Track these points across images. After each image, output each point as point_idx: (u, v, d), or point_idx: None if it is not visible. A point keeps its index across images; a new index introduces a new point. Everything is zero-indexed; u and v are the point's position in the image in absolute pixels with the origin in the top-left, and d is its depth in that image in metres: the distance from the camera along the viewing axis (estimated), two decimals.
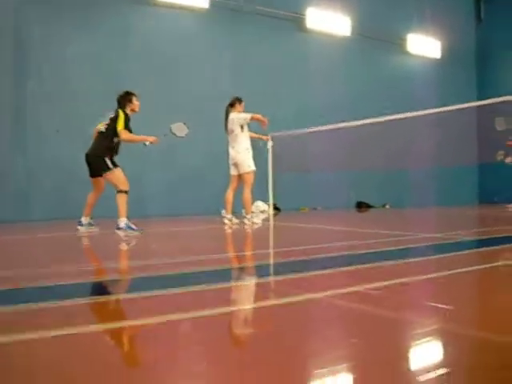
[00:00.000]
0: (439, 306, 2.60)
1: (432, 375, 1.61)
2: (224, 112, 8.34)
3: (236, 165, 8.23)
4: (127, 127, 6.83)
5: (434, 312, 2.47)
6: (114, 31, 11.31)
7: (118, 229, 6.64)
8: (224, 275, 3.60)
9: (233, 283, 3.35)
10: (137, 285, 3.43)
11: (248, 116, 8.07)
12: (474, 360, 1.84)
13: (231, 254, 5.19)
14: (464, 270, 3.74)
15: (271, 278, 3.58)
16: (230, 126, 8.23)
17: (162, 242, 6.46)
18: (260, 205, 11.85)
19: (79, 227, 7.12)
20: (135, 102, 7.04)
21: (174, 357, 1.83)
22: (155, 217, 10.86)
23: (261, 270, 3.95)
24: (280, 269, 4.04)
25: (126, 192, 6.75)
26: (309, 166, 12.27)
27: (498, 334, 2.07)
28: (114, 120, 6.81)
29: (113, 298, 3.01)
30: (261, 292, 3.08)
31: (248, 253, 5.20)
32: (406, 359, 1.84)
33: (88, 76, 10.94)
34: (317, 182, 13.10)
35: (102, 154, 6.80)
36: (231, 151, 8.28)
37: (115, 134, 6.79)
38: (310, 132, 11.32)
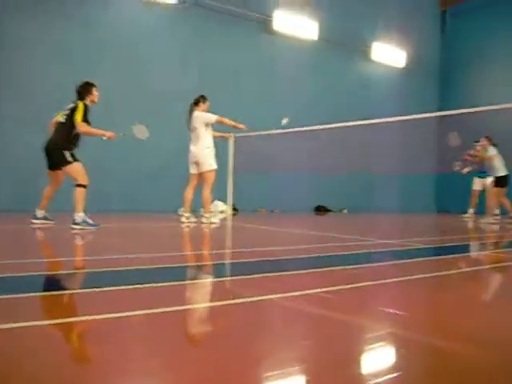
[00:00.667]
0: (391, 311, 2.61)
1: (381, 379, 1.61)
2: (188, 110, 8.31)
3: (197, 163, 8.19)
4: (86, 119, 6.69)
5: (385, 317, 2.48)
6: (78, 20, 11.07)
7: (75, 224, 6.52)
8: (176, 273, 3.55)
9: (184, 282, 3.30)
10: (87, 280, 3.35)
11: (213, 118, 8.13)
12: (424, 365, 1.85)
13: (185, 252, 5.14)
14: (417, 276, 3.79)
15: (224, 278, 3.55)
16: (193, 123, 8.20)
17: (117, 237, 6.35)
18: (219, 205, 11.80)
19: (34, 220, 6.88)
20: (95, 92, 6.94)
21: (118, 354, 1.78)
22: (116, 212, 10.69)
23: (214, 270, 3.92)
24: (233, 269, 4.02)
25: (84, 186, 6.64)
26: (269, 168, 12.29)
27: (446, 341, 2.09)
28: (74, 111, 6.67)
29: (61, 292, 2.93)
30: (212, 292, 3.05)
31: (202, 252, 5.15)
32: (357, 362, 1.84)
33: (47, 63, 10.67)
34: (276, 184, 13.14)
35: (62, 147, 6.65)
36: (193, 149, 8.25)
37: (74, 125, 6.65)
38: (272, 134, 11.35)
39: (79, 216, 6.55)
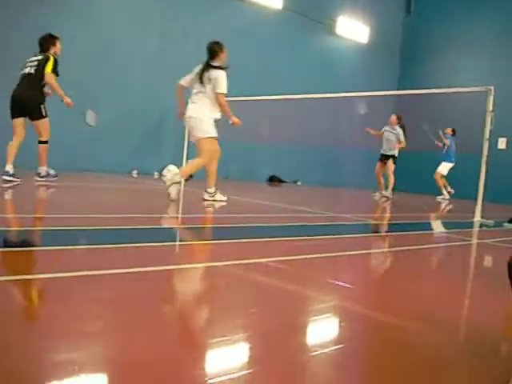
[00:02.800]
0: (338, 283, 2.65)
1: (326, 350, 1.63)
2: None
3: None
4: (55, 71, 6.75)
5: (332, 289, 2.51)
6: None
7: (40, 176, 6.84)
8: (129, 236, 3.50)
9: (136, 244, 3.26)
10: (44, 237, 3.27)
11: (225, 102, 6.81)
12: (367, 338, 1.89)
13: (138, 215, 5.08)
14: (367, 251, 3.85)
15: (174, 243, 3.53)
16: (206, 79, 6.63)
17: (78, 196, 6.22)
18: (172, 169, 11.68)
19: (5, 177, 6.42)
20: (58, 45, 7.01)
21: (65, 313, 1.74)
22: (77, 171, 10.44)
23: (164, 234, 3.89)
24: (183, 235, 3.99)
25: (46, 142, 6.89)
26: (225, 135, 12.20)
27: (390, 315, 2.13)
28: (43, 62, 6.69)
29: (15, 249, 2.85)
30: (161, 255, 3.02)
31: (155, 215, 5.10)
32: (302, 333, 1.86)
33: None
34: (231, 151, 13.06)
35: (38, 98, 6.77)
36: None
37: (43, 76, 6.67)
38: (230, 101, 11.25)
39: (43, 169, 6.88)
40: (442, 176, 13.18)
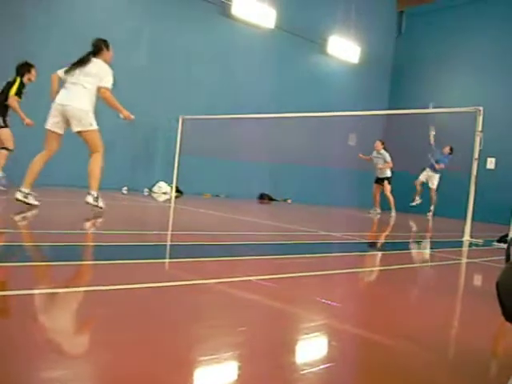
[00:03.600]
0: (327, 302, 2.64)
1: (314, 369, 1.62)
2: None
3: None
4: (18, 94, 7.48)
5: (321, 308, 2.50)
6: None
7: None
8: (118, 253, 3.48)
9: (125, 261, 3.23)
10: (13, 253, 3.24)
11: (109, 87, 6.02)
12: (356, 357, 1.88)
13: (124, 231, 5.05)
14: (356, 270, 3.85)
15: (163, 260, 3.51)
16: (87, 70, 5.88)
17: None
18: (163, 186, 11.70)
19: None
20: (33, 72, 7.66)
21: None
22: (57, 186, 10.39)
23: (153, 251, 3.86)
24: (172, 252, 3.98)
25: (8, 150, 7.58)
26: (216, 153, 12.23)
27: (379, 334, 2.13)
28: (11, 85, 7.47)
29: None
30: (150, 273, 3.00)
31: (141, 232, 5.08)
32: (291, 352, 1.85)
33: None
34: (222, 169, 13.08)
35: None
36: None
37: (7, 97, 7.44)
38: (221, 119, 11.32)
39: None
40: (421, 185, 13.55)
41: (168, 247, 4.21)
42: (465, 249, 6.41)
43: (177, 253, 3.93)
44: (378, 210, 12.24)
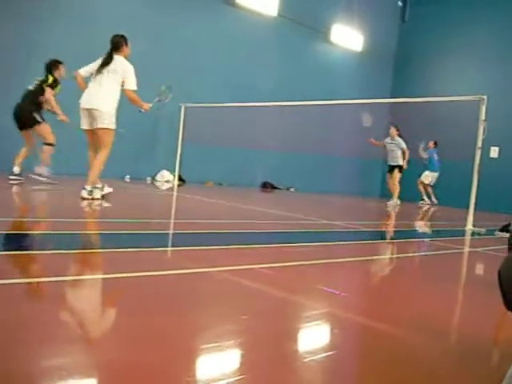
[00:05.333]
0: (330, 290, 2.65)
1: (317, 357, 1.63)
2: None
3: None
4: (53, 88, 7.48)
5: (323, 296, 2.51)
6: None
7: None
8: (121, 241, 3.49)
9: (127, 250, 3.24)
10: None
11: (134, 86, 6.28)
12: (359, 345, 1.89)
13: (128, 219, 5.06)
14: (358, 259, 3.86)
15: (167, 249, 3.52)
16: (113, 68, 6.14)
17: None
18: (165, 174, 11.70)
19: (11, 176, 7.15)
20: (62, 69, 7.68)
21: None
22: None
23: (155, 240, 3.87)
24: (176, 240, 3.98)
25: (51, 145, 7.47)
26: (219, 142, 12.21)
27: (382, 322, 2.13)
28: (44, 81, 7.41)
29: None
30: (152, 261, 3.01)
31: (144, 221, 5.08)
32: (294, 340, 1.86)
33: None
34: (225, 157, 13.06)
35: (32, 109, 7.37)
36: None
37: (42, 92, 7.35)
38: (224, 107, 11.29)
39: (43, 169, 7.39)
40: (427, 184, 13.80)
41: (170, 236, 4.22)
42: (467, 238, 6.41)
43: (179, 241, 3.93)
44: (392, 202, 11.75)
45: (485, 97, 7.02)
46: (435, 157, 13.62)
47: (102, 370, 1.39)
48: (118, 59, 6.17)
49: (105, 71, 6.07)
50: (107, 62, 6.11)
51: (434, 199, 13.79)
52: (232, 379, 1.39)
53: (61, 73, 7.69)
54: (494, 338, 2.25)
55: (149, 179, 11.30)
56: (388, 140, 11.82)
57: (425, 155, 13.52)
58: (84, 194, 5.79)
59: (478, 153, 7.01)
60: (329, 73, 15.99)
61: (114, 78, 6.07)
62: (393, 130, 11.75)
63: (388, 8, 18.08)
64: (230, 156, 13.05)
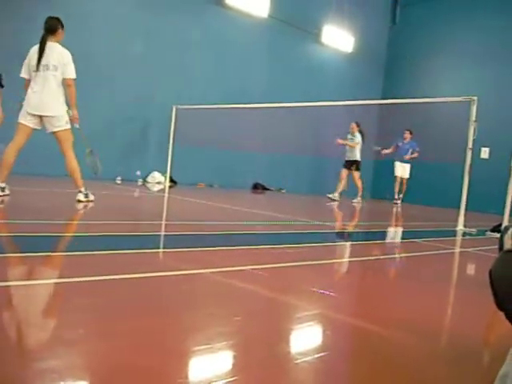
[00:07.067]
0: (321, 291, 2.65)
1: (308, 358, 1.63)
2: None
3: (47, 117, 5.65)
4: None
5: (316, 297, 2.51)
6: None
7: None
8: (109, 243, 3.48)
9: (115, 252, 3.23)
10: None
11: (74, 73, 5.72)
12: (350, 346, 1.89)
13: (116, 221, 5.05)
14: (350, 260, 3.86)
15: (158, 250, 3.51)
16: (48, 59, 5.59)
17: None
18: (156, 176, 11.68)
19: None
20: None
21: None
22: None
23: (146, 241, 3.86)
24: (166, 242, 3.97)
25: None
26: (210, 143, 12.20)
27: (373, 323, 2.14)
28: None
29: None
30: (143, 263, 3.00)
31: (136, 222, 5.07)
32: (286, 341, 1.85)
33: None
34: (216, 158, 13.06)
35: None
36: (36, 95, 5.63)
37: None
38: (214, 109, 11.28)
39: None
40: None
41: (162, 237, 4.21)
42: (458, 238, 6.44)
43: (170, 243, 3.93)
44: (355, 201, 12.15)
45: (475, 98, 7.05)
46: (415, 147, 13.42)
47: (93, 372, 1.38)
48: (54, 49, 5.61)
49: (42, 69, 5.54)
50: (41, 53, 5.53)
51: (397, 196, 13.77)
52: (224, 380, 1.38)
53: None
54: (486, 337, 2.26)
55: (140, 180, 11.28)
56: (349, 136, 12.21)
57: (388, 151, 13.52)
58: (80, 197, 5.71)
59: (469, 153, 7.04)
60: (319, 74, 16.02)
61: (54, 77, 5.57)
62: (353, 126, 12.13)
63: (378, 9, 18.15)
64: (221, 157, 13.05)
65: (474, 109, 7.04)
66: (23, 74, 5.69)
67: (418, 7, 17.57)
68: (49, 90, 5.56)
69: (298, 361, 1.60)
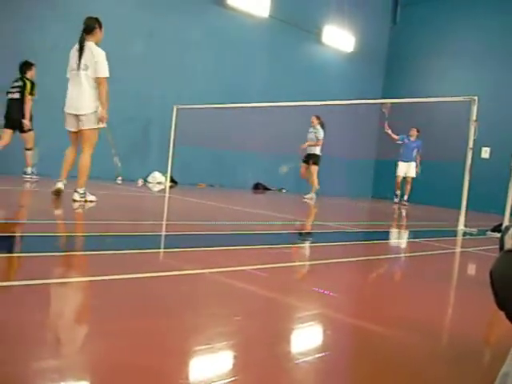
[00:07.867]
0: (322, 291, 2.64)
1: (309, 358, 1.63)
2: None
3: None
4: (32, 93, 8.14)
5: (316, 297, 2.50)
6: None
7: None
8: (111, 243, 3.48)
9: (116, 252, 3.23)
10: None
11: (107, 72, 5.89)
12: (351, 346, 1.88)
13: (113, 222, 5.04)
14: (350, 259, 3.85)
15: (159, 250, 3.50)
16: (85, 58, 5.77)
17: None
18: (157, 176, 11.67)
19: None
20: (34, 70, 8.25)
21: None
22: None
23: (147, 241, 3.86)
24: (167, 242, 3.97)
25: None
26: (211, 143, 12.19)
27: (374, 323, 2.13)
28: (23, 87, 8.05)
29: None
30: (144, 263, 2.99)
31: (137, 222, 5.07)
32: (286, 341, 1.85)
33: None
34: (217, 158, 13.06)
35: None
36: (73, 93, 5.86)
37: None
38: (215, 109, 11.27)
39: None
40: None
41: (162, 237, 4.20)
42: (459, 238, 6.43)
43: (171, 243, 3.92)
44: (308, 196, 11.62)
45: (476, 97, 7.04)
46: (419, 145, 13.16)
47: (94, 372, 1.38)
48: (90, 48, 5.77)
49: (80, 68, 5.72)
50: (80, 53, 5.74)
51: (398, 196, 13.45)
52: (224, 380, 1.38)
53: (33, 74, 8.23)
54: (486, 337, 2.26)
55: (141, 181, 11.27)
56: (310, 129, 11.85)
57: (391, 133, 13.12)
58: (76, 196, 5.68)
59: (470, 153, 7.03)
60: (320, 73, 16.00)
61: (86, 77, 5.73)
62: (313, 119, 11.75)
63: (379, 9, 18.13)
64: (222, 157, 13.05)
65: (474, 108, 7.04)
66: (67, 74, 5.91)
67: (419, 7, 17.56)
68: (81, 88, 5.73)
69: (299, 361, 1.60)
